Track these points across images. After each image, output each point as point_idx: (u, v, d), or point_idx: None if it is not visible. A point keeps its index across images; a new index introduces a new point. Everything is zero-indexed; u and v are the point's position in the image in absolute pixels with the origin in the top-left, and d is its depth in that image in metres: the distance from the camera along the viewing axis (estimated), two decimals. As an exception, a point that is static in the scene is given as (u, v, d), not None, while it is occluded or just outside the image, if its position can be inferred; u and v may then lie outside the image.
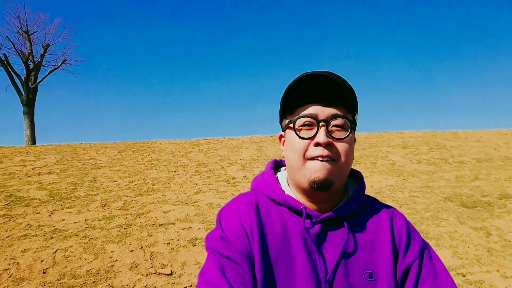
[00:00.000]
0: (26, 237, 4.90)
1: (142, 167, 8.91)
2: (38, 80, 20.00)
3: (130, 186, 7.38)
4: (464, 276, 4.28)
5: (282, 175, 1.06)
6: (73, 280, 3.92)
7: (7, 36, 19.06)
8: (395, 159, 10.22)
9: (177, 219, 5.64)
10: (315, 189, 0.91)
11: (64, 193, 6.79)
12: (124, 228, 5.26)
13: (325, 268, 0.89)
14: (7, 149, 10.52)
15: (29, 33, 20.06)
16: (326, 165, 0.89)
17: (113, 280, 3.98)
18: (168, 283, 3.98)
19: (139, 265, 4.30)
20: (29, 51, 19.90)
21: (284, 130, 1.02)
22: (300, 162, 0.92)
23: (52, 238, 4.88)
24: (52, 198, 6.48)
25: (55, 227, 5.24)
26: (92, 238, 4.90)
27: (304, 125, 0.93)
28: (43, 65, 20.42)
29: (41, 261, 4.27)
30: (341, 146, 0.91)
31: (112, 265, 4.26)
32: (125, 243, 4.79)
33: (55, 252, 4.49)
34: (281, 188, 1.00)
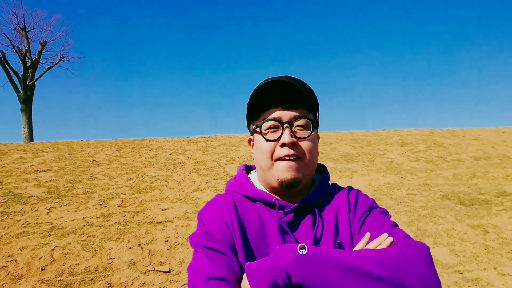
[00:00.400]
0: (24, 234, 4.90)
1: (140, 164, 8.90)
2: (35, 77, 19.93)
3: (128, 183, 7.37)
4: (461, 273, 4.30)
5: (253, 176, 1.15)
6: (71, 278, 3.93)
7: (4, 33, 18.99)
8: (393, 157, 10.24)
9: (175, 217, 5.64)
10: (284, 188, 1.00)
11: (62, 190, 6.78)
12: (122, 226, 5.26)
13: None
14: (5, 146, 10.49)
15: (27, 30, 19.96)
16: (293, 164, 0.98)
17: (111, 277, 3.98)
18: (166, 281, 3.98)
19: (137, 262, 4.30)
20: (26, 48, 19.81)
21: (252, 134, 1.10)
22: (269, 163, 1.00)
23: (50, 235, 4.87)
24: (50, 196, 6.47)
25: (53, 225, 5.24)
26: (90, 236, 4.90)
27: (269, 128, 1.01)
28: (40, 62, 20.34)
29: (39, 259, 4.27)
30: (305, 145, 1.00)
31: (110, 263, 4.26)
32: (123, 241, 4.79)
33: (53, 249, 4.49)
34: (254, 185, 1.08)
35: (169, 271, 4.16)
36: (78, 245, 4.63)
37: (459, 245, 5.05)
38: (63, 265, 4.16)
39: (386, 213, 1.04)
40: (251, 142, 1.12)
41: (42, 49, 20.34)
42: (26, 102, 19.32)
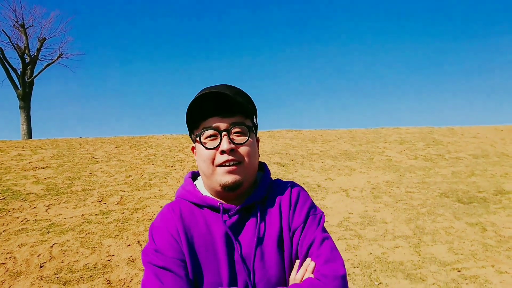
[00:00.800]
0: (23, 231, 4.90)
1: (139, 162, 8.90)
2: (34, 74, 19.85)
3: (127, 181, 7.37)
4: (459, 271, 4.31)
5: (199, 182, 1.20)
6: (70, 275, 3.93)
7: (2, 30, 18.88)
8: (391, 155, 10.25)
9: (174, 214, 5.64)
10: (227, 191, 1.06)
11: (61, 187, 6.78)
12: (121, 223, 5.26)
13: (241, 252, 1.04)
14: (3, 143, 10.47)
15: (25, 27, 19.87)
16: (233, 169, 1.04)
17: (110, 274, 3.98)
18: (165, 278, 3.98)
19: (136, 259, 4.31)
20: (25, 45, 19.74)
21: (194, 143, 1.16)
22: (210, 169, 1.06)
23: (49, 232, 4.87)
24: (48, 193, 6.47)
25: (52, 222, 5.24)
26: (89, 233, 4.90)
27: (209, 136, 1.07)
28: (39, 59, 20.25)
29: (38, 256, 4.27)
30: (243, 150, 1.07)
31: (109, 260, 4.26)
32: (122, 238, 4.79)
33: (52, 246, 4.49)
34: (200, 192, 1.14)
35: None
36: (77, 242, 4.63)
37: (457, 242, 5.06)
38: (62, 262, 4.16)
39: (320, 218, 1.12)
40: (194, 150, 1.17)
41: (41, 46, 20.26)
42: (25, 99, 19.27)
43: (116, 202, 6.14)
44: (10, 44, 19.13)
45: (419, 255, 4.72)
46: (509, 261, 4.55)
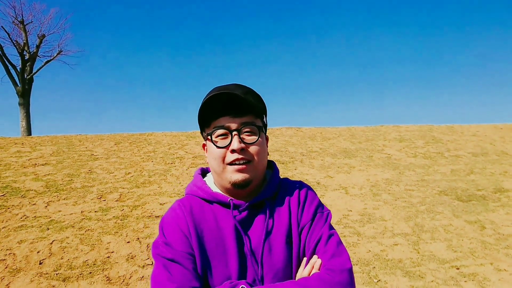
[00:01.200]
0: (22, 228, 4.90)
1: (139, 159, 8.90)
2: (33, 71, 19.81)
3: (126, 178, 7.37)
4: (458, 268, 4.32)
5: (209, 178, 1.24)
6: (69, 271, 3.94)
7: (2, 26, 18.81)
8: (391, 152, 10.26)
9: (174, 211, 5.65)
10: (237, 188, 1.10)
11: (60, 184, 6.78)
12: (121, 220, 5.26)
13: (250, 246, 1.08)
14: (3, 140, 10.47)
15: (25, 23, 19.81)
16: (243, 167, 1.08)
17: (109, 271, 3.99)
18: (165, 275, 3.99)
19: (135, 256, 4.32)
20: (24, 41, 19.68)
21: (205, 140, 1.19)
22: (221, 167, 1.10)
23: (48, 229, 4.88)
24: (48, 190, 6.47)
25: (51, 218, 5.24)
26: (88, 230, 4.90)
27: (220, 135, 1.11)
28: (38, 56, 20.20)
29: (38, 252, 4.27)
30: (253, 149, 1.10)
31: (108, 257, 4.27)
32: (121, 235, 4.80)
33: (52, 243, 4.49)
34: (210, 188, 1.18)
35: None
36: (77, 239, 4.63)
37: (456, 240, 5.07)
38: (62, 259, 4.17)
39: (327, 216, 1.16)
40: (205, 147, 1.20)
41: (40, 42, 20.21)
42: (24, 96, 19.24)
43: (115, 199, 6.15)
44: (10, 40, 19.09)
45: (418, 252, 4.73)
46: (508, 258, 4.56)
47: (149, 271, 4.03)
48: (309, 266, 1.06)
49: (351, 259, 4.52)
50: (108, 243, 4.57)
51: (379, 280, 4.04)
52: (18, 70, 19.33)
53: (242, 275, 1.06)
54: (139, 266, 4.12)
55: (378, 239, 5.09)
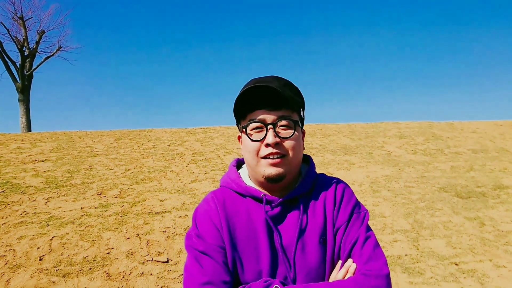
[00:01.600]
0: (22, 224, 4.90)
1: (139, 155, 8.90)
2: (33, 67, 19.78)
3: (126, 174, 7.37)
4: (457, 265, 4.33)
5: (243, 171, 1.23)
6: (69, 267, 3.94)
7: (1, 22, 18.74)
8: (391, 149, 10.26)
9: (174, 207, 5.66)
10: (270, 182, 1.08)
11: (60, 180, 6.79)
12: (121, 216, 5.27)
13: (282, 243, 1.06)
14: (3, 136, 10.46)
15: (24, 19, 19.74)
16: (277, 161, 1.06)
17: (109, 267, 4.00)
18: (164, 271, 4.00)
19: (135, 252, 4.32)
20: (24, 37, 19.63)
21: (240, 132, 1.18)
22: (255, 160, 1.09)
23: (48, 225, 4.88)
24: (48, 186, 6.47)
25: (51, 215, 5.25)
26: (88, 226, 4.91)
27: (255, 128, 1.09)
28: (38, 52, 20.15)
29: (38, 248, 4.28)
30: (288, 144, 1.08)
31: (108, 253, 4.28)
32: (121, 231, 4.80)
33: (52, 239, 4.50)
34: (244, 181, 1.17)
35: (167, 261, 4.18)
36: (76, 235, 4.64)
37: (456, 237, 5.08)
38: (62, 255, 4.17)
39: (364, 217, 1.13)
40: (240, 139, 1.19)
41: (40, 38, 20.15)
42: (24, 92, 19.22)
43: (115, 195, 6.15)
44: (9, 36, 19.03)
45: (418, 249, 4.74)
46: (507, 255, 4.57)
47: (149, 267, 4.04)
48: (343, 269, 1.04)
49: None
50: (108, 239, 4.57)
51: (379, 277, 4.04)
52: (18, 66, 19.30)
53: (273, 272, 1.05)
54: (139, 262, 4.13)
55: (378, 235, 5.10)
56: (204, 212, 1.12)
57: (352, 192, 1.18)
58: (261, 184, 1.13)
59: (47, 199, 5.87)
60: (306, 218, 1.10)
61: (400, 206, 6.19)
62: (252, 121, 1.08)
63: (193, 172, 7.64)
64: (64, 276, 3.78)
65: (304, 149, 1.18)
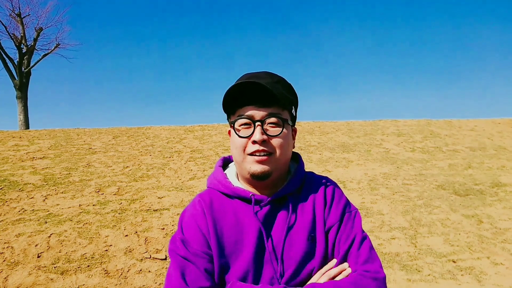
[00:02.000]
0: (20, 221, 4.90)
1: (137, 152, 8.89)
2: (31, 64, 19.74)
3: (124, 171, 7.37)
4: (454, 262, 4.35)
5: (230, 170, 1.23)
6: (67, 264, 3.94)
7: (-1, 19, 18.71)
8: (389, 147, 10.27)
9: (172, 205, 5.66)
10: (255, 179, 1.07)
11: (58, 178, 6.78)
12: (119, 213, 5.27)
13: (272, 242, 1.06)
14: (0, 133, 10.44)
15: (22, 16, 19.67)
16: (263, 159, 1.05)
17: (107, 264, 4.00)
18: (162, 268, 4.01)
19: (133, 250, 4.32)
20: (21, 34, 19.56)
21: (230, 127, 1.16)
22: (241, 157, 1.08)
23: (46, 222, 4.88)
24: (46, 183, 6.46)
25: (49, 212, 5.24)
26: (86, 223, 4.91)
27: (243, 124, 1.08)
28: (36, 49, 20.10)
29: (36, 245, 4.28)
30: (276, 141, 1.06)
31: (106, 250, 4.28)
32: (119, 228, 4.80)
33: (50, 236, 4.50)
34: (231, 182, 1.15)
35: (165, 259, 4.19)
36: (75, 232, 4.64)
37: (453, 234, 5.10)
38: (60, 252, 4.17)
39: (355, 216, 1.13)
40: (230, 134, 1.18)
41: (38, 35, 20.09)
42: (22, 89, 19.17)
43: (113, 193, 6.15)
44: (7, 33, 18.99)
45: (415, 246, 4.75)
46: (505, 252, 4.59)
47: (147, 264, 4.04)
48: (337, 269, 1.04)
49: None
50: (106, 236, 4.57)
51: (376, 274, 4.05)
52: (16, 63, 19.25)
53: (260, 272, 1.04)
54: (137, 259, 4.13)
55: (376, 233, 5.11)
56: (191, 217, 1.11)
57: (342, 192, 1.18)
58: (248, 181, 1.12)
59: (45, 196, 5.86)
60: (295, 216, 1.10)
61: (398, 203, 6.20)
62: (240, 116, 1.07)
63: (191, 170, 7.64)
64: (62, 273, 3.78)
65: (294, 147, 1.18)
